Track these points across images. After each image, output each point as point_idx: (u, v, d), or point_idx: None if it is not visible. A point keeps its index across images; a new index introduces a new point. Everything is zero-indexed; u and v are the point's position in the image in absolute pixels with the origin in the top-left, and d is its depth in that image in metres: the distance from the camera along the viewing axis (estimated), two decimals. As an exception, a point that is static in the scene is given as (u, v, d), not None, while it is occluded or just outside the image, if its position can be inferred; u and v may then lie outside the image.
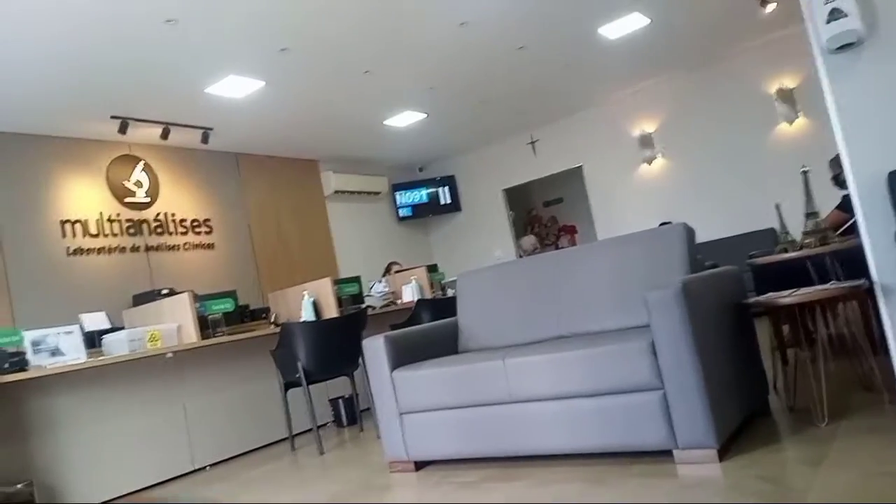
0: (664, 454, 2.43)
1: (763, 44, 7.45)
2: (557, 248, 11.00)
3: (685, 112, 8.14)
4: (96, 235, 6.23)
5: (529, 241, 8.17)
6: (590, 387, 2.55)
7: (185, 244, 6.94)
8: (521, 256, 8.73)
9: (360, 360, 4.15)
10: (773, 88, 7.55)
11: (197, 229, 7.11)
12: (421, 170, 10.21)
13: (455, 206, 9.97)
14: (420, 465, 3.08)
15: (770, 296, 2.82)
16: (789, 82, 7.45)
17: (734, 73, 7.74)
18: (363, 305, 5.19)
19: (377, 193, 9.35)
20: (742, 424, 2.67)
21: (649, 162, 8.43)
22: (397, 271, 6.57)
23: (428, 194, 9.91)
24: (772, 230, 6.56)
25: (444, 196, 9.94)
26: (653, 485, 2.26)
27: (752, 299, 2.91)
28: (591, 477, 2.46)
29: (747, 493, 2.00)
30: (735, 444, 2.49)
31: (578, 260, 3.31)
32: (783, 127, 7.54)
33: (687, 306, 2.35)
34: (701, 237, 6.89)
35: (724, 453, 2.36)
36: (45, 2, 4.02)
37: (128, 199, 6.56)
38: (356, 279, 5.49)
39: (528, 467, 2.73)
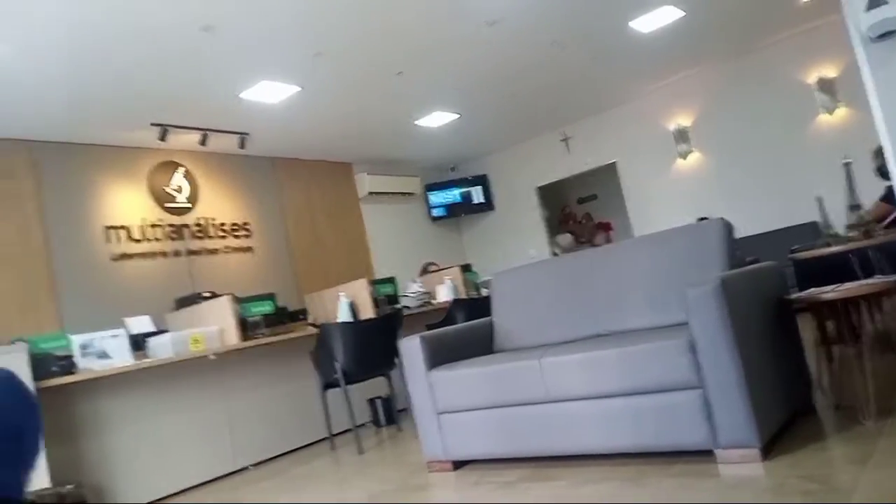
0: (704, 454, 2.40)
1: (800, 33, 7.29)
2: (593, 245, 10.90)
3: (721, 105, 7.99)
4: (139, 240, 6.40)
5: (566, 239, 8.13)
6: (627, 386, 2.53)
7: (224, 248, 7.08)
8: (556, 254, 8.69)
9: (397, 360, 4.19)
10: (812, 78, 7.37)
11: (236, 233, 7.24)
12: (453, 169, 10.23)
13: (488, 205, 9.96)
14: (458, 465, 3.09)
15: (813, 291, 2.76)
16: (829, 71, 7.26)
17: (771, 64, 7.58)
18: (399, 306, 5.23)
19: (411, 194, 9.40)
20: (786, 423, 2.62)
21: (685, 156, 8.31)
22: (433, 271, 6.60)
23: (461, 194, 9.92)
24: (814, 224, 6.40)
25: (478, 195, 9.94)
26: (693, 485, 2.24)
27: (795, 295, 2.86)
28: (630, 476, 2.44)
29: (791, 493, 1.97)
30: (778, 443, 2.45)
31: (614, 257, 3.29)
32: (823, 117, 7.35)
33: (726, 303, 2.32)
34: (740, 232, 6.78)
35: (767, 452, 2.32)
36: (85, 14, 4.14)
37: (169, 205, 6.72)
38: (391, 280, 5.53)
39: (565, 467, 2.73)
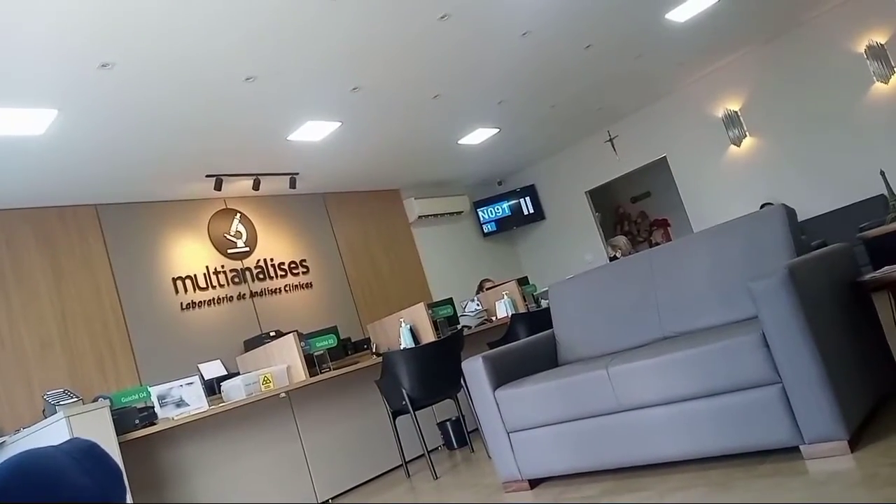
0: (790, 451, 2.30)
1: (843, 1, 7.02)
2: (651, 244, 10.69)
3: (770, 85, 7.75)
4: (205, 288, 6.62)
5: (621, 240, 7.99)
6: (701, 388, 2.45)
7: (285, 286, 7.25)
8: (614, 258, 8.55)
9: (463, 381, 4.18)
10: (862, 46, 7.07)
11: (294, 271, 7.41)
12: (500, 183, 10.22)
13: (539, 214, 9.90)
14: (534, 483, 3.05)
15: (887, 269, 2.63)
16: (879, 37, 6.96)
17: (817, 36, 7.32)
18: (459, 326, 5.23)
19: (460, 213, 9.43)
20: (872, 410, 2.49)
21: (738, 143, 8.07)
22: (489, 288, 6.58)
23: (510, 207, 9.89)
24: (881, 197, 6.12)
25: (527, 206, 9.89)
26: (782, 484, 2.15)
27: (868, 276, 2.72)
28: (716, 481, 2.36)
29: (885, 483, 1.86)
30: (866, 432, 2.32)
31: (673, 256, 3.21)
32: (878, 86, 7.04)
33: (796, 292, 2.23)
34: (805, 214, 6.54)
35: (855, 443, 2.20)
36: (136, 80, 4.35)
37: (230, 251, 6.94)
38: (449, 301, 5.54)
39: (647, 477, 2.65)
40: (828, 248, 2.97)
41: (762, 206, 6.30)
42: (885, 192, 3.54)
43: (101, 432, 3.30)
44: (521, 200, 9.89)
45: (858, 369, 2.45)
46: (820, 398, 2.18)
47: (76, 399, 3.35)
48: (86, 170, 5.44)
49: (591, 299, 3.44)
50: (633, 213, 11.32)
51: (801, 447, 2.26)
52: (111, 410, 3.39)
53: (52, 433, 3.33)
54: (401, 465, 4.42)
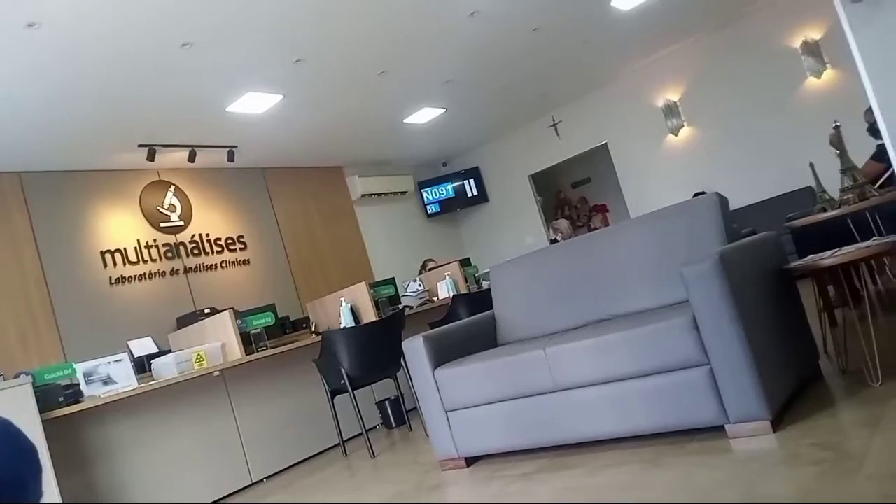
0: (717, 430, 2.39)
1: (781, -2, 7.25)
2: (590, 229, 10.89)
3: (708, 76, 7.97)
4: (136, 263, 6.38)
5: (563, 224, 8.10)
6: (634, 368, 2.52)
7: (221, 262, 7.07)
8: (554, 241, 8.67)
9: (402, 360, 4.18)
10: (797, 42, 7.34)
11: (231, 247, 7.23)
12: (445, 164, 10.21)
13: (482, 197, 9.95)
14: (471, 461, 3.09)
15: (812, 258, 2.75)
16: (814, 34, 7.23)
17: (755, 31, 7.55)
18: (400, 306, 5.22)
19: (404, 193, 9.38)
20: (794, 392, 2.61)
21: (676, 132, 8.29)
22: (432, 268, 6.58)
23: (454, 188, 9.91)
24: (809, 189, 6.39)
25: (471, 188, 9.93)
26: (708, 462, 2.23)
27: (794, 263, 2.84)
28: (646, 458, 2.44)
29: (805, 463, 1.96)
30: (788, 413, 2.44)
31: (611, 240, 3.28)
32: (811, 81, 7.33)
33: (726, 277, 2.30)
34: (737, 203, 6.76)
35: (777, 423, 2.31)
36: (65, 41, 4.12)
37: (163, 224, 6.71)
38: (391, 281, 5.52)
39: (580, 455, 2.72)
40: (757, 236, 3.08)
41: (695, 195, 6.49)
42: (814, 184, 3.69)
43: (23, 409, 3.15)
44: (466, 182, 9.92)
45: (782, 353, 2.56)
46: (745, 379, 2.27)
47: (-6, 375, 3.19)
48: (9, 134, 5.14)
49: (530, 281, 3.48)
50: (574, 198, 11.50)
51: (727, 426, 2.35)
52: (33, 387, 3.24)
53: (-33, 411, 3.15)
54: (338, 444, 4.39)
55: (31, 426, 3.13)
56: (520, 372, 2.82)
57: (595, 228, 10.51)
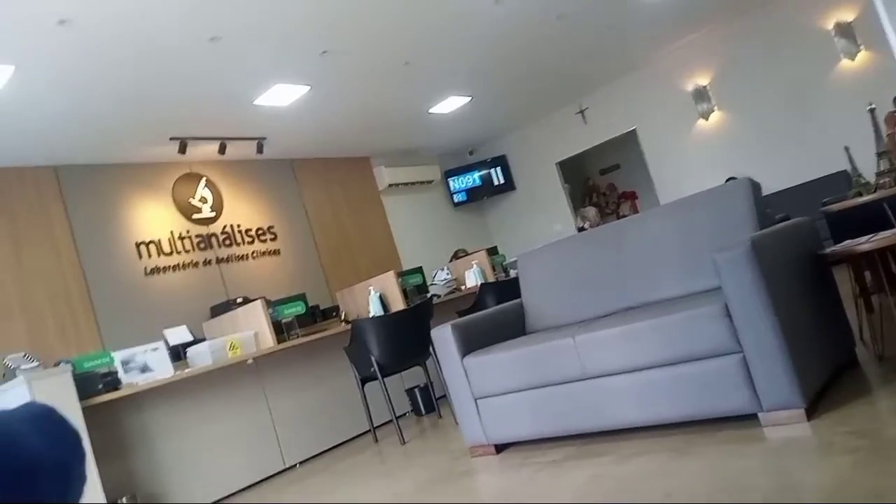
0: (749, 418, 2.37)
1: (816, -22, 7.07)
2: (619, 216, 10.79)
3: (739, 59, 7.81)
4: (170, 254, 6.50)
5: (591, 212, 8.04)
6: (664, 356, 2.50)
7: (252, 253, 7.16)
8: (581, 229, 8.62)
9: (431, 348, 4.21)
10: (830, 23, 7.15)
11: (262, 237, 7.32)
12: (471, 153, 10.18)
13: (509, 185, 9.91)
14: (500, 448, 3.10)
15: (847, 243, 2.70)
16: (847, 15, 7.04)
17: (786, 13, 7.38)
18: (428, 295, 5.24)
19: (430, 182, 9.39)
20: (829, 379, 2.57)
21: (706, 116, 8.15)
22: (462, 257, 6.60)
23: (480, 177, 9.88)
24: (844, 173, 6.25)
25: (497, 177, 9.89)
26: (739, 451, 2.21)
27: (829, 249, 2.79)
28: (675, 447, 2.43)
29: (840, 451, 1.93)
30: (823, 401, 2.40)
31: (640, 227, 3.25)
32: (845, 63, 7.14)
33: (758, 264, 2.27)
34: (770, 188, 6.65)
35: (812, 412, 2.28)
36: (95, 38, 4.20)
37: (195, 216, 6.82)
38: (419, 270, 5.55)
39: (609, 442, 2.72)
40: (791, 221, 3.03)
41: (727, 180, 6.39)
42: (849, 168, 3.61)
43: (64, 397, 3.25)
44: (492, 170, 9.88)
45: (817, 340, 2.53)
46: (779, 367, 2.24)
47: (37, 364, 3.29)
48: (45, 129, 5.26)
49: (559, 269, 3.47)
50: (602, 185, 11.40)
51: (760, 415, 2.33)
52: (73, 375, 3.33)
53: (12, 398, 3.26)
54: (369, 431, 4.45)
55: (72, 413, 3.22)
56: (549, 360, 2.82)
57: (624, 216, 10.42)
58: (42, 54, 4.22)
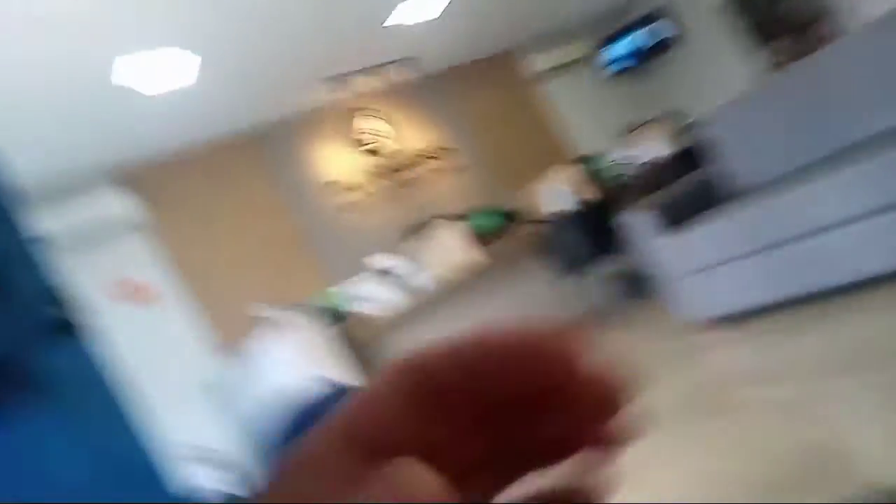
0: None
1: None
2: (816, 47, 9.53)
3: None
4: (356, 189, 6.96)
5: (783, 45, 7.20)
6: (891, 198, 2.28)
7: (430, 171, 7.42)
8: (777, 65, 7.76)
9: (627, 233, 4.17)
10: None
11: (436, 156, 7.53)
12: (625, 13, 9.41)
13: (676, 38, 9.05)
14: (725, 320, 3.04)
15: None
16: None
17: None
18: (613, 176, 5.14)
19: (585, 58, 8.92)
20: None
21: None
22: (632, 130, 6.32)
23: (641, 36, 9.15)
24: None
25: (659, 32, 9.09)
26: None
27: None
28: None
29: None
30: None
31: (842, 57, 2.90)
32: None
33: None
34: None
35: None
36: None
37: (370, 146, 7.18)
38: (593, 157, 5.42)
39: (844, 300, 2.55)
40: None
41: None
42: None
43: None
44: (652, 27, 9.07)
45: None
46: None
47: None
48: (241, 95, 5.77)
49: (754, 122, 3.23)
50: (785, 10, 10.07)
51: None
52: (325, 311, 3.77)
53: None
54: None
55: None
56: (761, 222, 2.70)
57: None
58: (206, 27, 4.57)
